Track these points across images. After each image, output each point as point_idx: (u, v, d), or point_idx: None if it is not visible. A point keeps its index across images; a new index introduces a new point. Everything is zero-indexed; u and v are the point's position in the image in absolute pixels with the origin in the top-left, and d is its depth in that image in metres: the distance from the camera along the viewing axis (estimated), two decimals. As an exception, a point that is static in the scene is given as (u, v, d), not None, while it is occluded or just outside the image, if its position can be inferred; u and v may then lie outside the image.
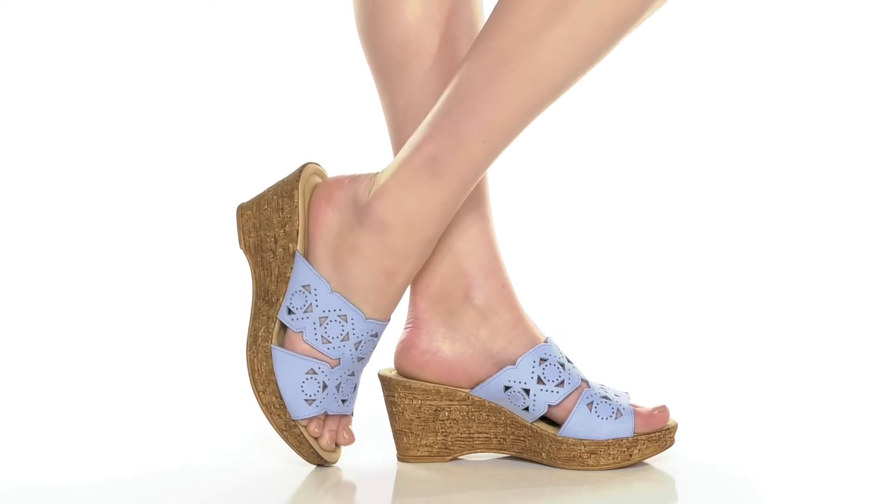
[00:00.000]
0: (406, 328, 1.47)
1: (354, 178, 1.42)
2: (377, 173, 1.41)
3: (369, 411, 1.59)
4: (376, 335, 1.42)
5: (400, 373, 1.48)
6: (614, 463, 1.43)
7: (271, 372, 1.40)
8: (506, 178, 2.32)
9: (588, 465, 1.42)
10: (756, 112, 2.62)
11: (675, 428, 1.45)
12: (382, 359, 1.59)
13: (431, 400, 1.46)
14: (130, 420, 1.70)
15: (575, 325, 2.06)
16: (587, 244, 2.51)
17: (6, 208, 2.53)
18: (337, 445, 1.44)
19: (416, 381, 1.46)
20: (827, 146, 2.60)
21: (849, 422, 1.65)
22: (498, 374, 1.44)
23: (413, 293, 1.47)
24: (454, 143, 1.36)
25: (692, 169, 2.58)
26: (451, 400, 1.46)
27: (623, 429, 1.42)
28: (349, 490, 1.39)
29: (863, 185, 2.56)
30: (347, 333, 1.40)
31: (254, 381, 1.41)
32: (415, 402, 1.46)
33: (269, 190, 1.45)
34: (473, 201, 1.45)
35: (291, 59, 2.57)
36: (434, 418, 1.46)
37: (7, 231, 2.49)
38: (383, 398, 1.48)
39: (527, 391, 1.43)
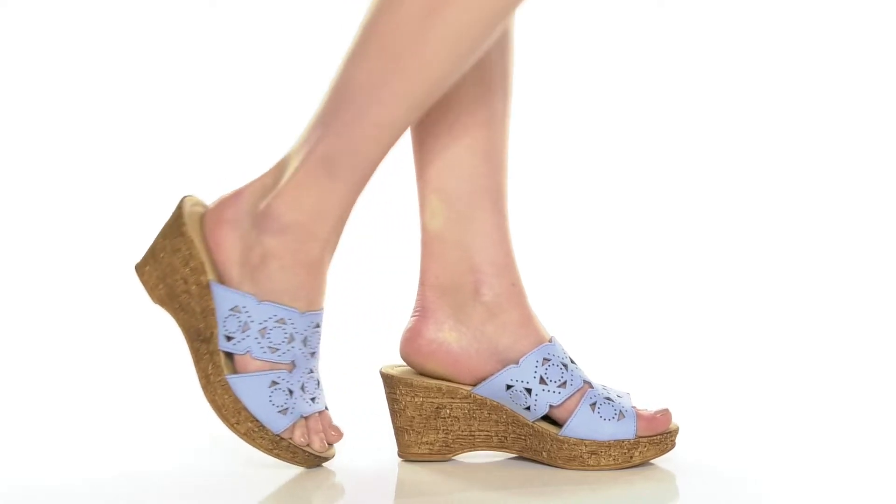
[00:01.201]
0: (413, 316, 1.47)
1: (237, 193, 1.42)
2: (262, 176, 1.41)
3: (367, 408, 1.59)
4: (318, 326, 1.42)
5: (405, 361, 1.48)
6: (615, 464, 1.43)
7: (237, 401, 1.39)
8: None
9: (588, 466, 1.43)
10: (755, 113, 2.62)
11: (676, 431, 1.45)
12: (384, 354, 1.59)
13: (433, 397, 1.46)
14: (131, 421, 1.69)
15: (575, 326, 2.06)
16: (587, 245, 2.51)
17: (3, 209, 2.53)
18: (329, 445, 1.44)
19: (417, 379, 1.46)
20: (826, 146, 2.60)
21: (849, 422, 1.65)
22: (500, 372, 1.44)
23: (421, 283, 1.47)
24: (347, 143, 1.37)
25: (692, 170, 2.59)
26: (452, 398, 1.46)
27: (625, 430, 1.43)
28: (349, 490, 1.39)
29: (863, 185, 2.56)
30: (291, 335, 1.39)
31: (224, 418, 1.39)
32: (416, 400, 1.46)
33: (156, 239, 1.43)
34: (490, 196, 1.45)
35: (291, 58, 2.57)
36: (436, 416, 1.46)
37: (3, 232, 2.49)
38: (385, 395, 1.48)
39: (528, 391, 1.43)
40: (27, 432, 1.63)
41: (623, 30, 2.47)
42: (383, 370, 1.48)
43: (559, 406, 1.43)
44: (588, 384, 1.44)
